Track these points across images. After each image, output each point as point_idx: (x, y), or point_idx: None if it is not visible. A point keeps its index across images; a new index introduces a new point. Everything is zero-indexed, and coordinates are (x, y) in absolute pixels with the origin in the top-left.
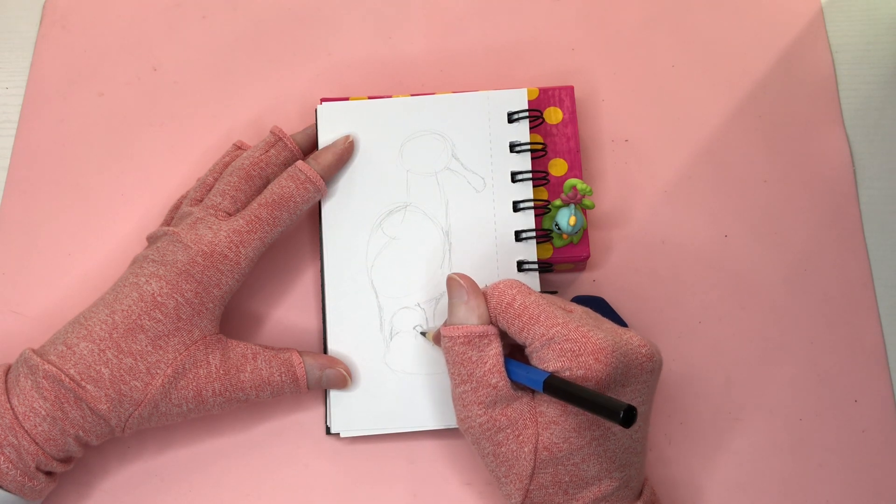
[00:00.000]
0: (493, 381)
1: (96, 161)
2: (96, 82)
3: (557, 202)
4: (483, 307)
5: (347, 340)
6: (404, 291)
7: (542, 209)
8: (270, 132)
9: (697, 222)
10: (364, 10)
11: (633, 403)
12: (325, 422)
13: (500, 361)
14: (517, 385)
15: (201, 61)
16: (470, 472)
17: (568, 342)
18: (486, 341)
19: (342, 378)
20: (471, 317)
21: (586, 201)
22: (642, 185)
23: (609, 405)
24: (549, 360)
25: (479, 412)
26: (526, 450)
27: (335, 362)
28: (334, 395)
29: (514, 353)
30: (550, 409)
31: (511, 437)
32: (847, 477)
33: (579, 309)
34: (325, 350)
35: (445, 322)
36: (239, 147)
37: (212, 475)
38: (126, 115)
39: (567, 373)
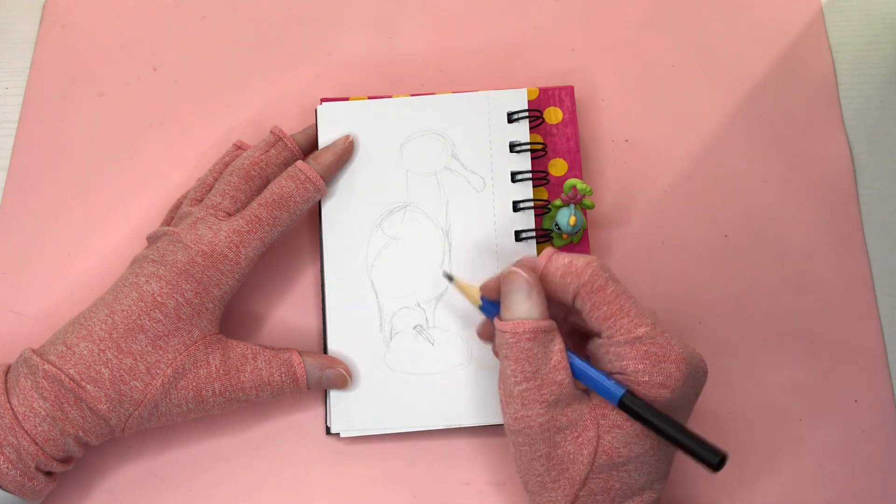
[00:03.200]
0: (559, 377)
1: (96, 161)
2: (96, 82)
3: (557, 202)
4: (545, 303)
5: (347, 340)
6: (404, 291)
7: (542, 209)
8: (270, 132)
9: (697, 222)
10: (364, 10)
11: (686, 416)
12: (325, 422)
13: (564, 357)
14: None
15: (201, 61)
16: (470, 472)
17: (654, 346)
18: (550, 337)
19: (342, 378)
20: (533, 312)
21: (586, 201)
22: (642, 185)
23: (704, 446)
24: (628, 359)
25: (541, 411)
26: (585, 452)
27: (335, 362)
28: (334, 395)
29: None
30: (615, 412)
31: (570, 438)
32: (847, 477)
33: (651, 310)
34: (325, 350)
35: (502, 317)
36: (239, 147)
37: (212, 475)
38: (126, 115)
39: (646, 377)
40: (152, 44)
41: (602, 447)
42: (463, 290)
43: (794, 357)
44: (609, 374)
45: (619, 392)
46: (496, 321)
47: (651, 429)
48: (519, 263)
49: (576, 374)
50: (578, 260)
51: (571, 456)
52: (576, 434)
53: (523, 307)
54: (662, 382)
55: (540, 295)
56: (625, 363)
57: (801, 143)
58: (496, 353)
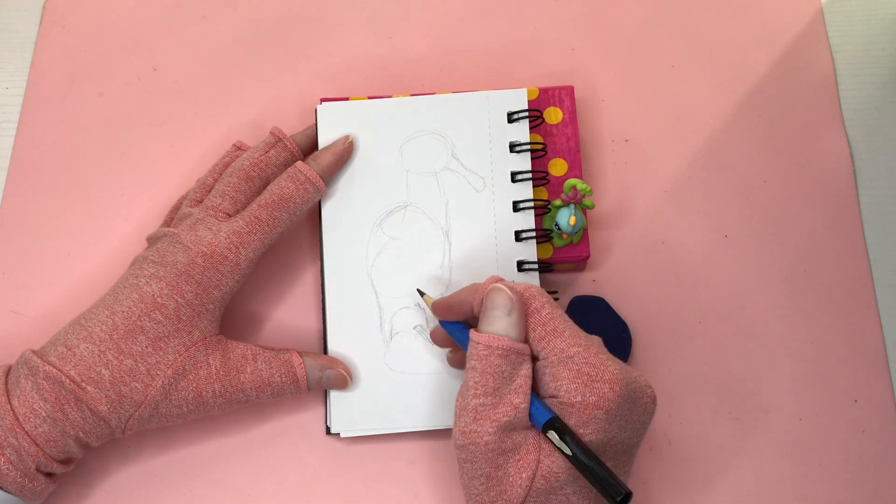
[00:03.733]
0: (517, 401)
1: (96, 161)
2: (96, 82)
3: (557, 202)
4: (524, 325)
5: (347, 341)
6: (404, 291)
7: (542, 209)
8: (270, 133)
9: (697, 222)
10: (364, 10)
11: (631, 444)
12: (325, 422)
13: (528, 383)
14: None
15: (201, 61)
16: None
17: (586, 365)
18: (520, 360)
19: (342, 378)
20: (511, 331)
21: (586, 201)
22: (642, 185)
23: (610, 480)
24: (562, 379)
25: (490, 430)
26: (524, 476)
27: (335, 363)
28: (334, 396)
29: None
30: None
31: (511, 461)
32: (847, 477)
33: (595, 338)
34: (325, 350)
35: (479, 328)
36: (239, 147)
37: (212, 475)
38: (126, 115)
39: (579, 397)
40: (152, 44)
41: (541, 471)
42: (429, 307)
43: (794, 357)
44: (546, 399)
45: (546, 417)
46: (472, 332)
47: (575, 463)
48: (508, 284)
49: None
50: (517, 286)
51: (511, 478)
52: (518, 457)
53: (502, 324)
54: (596, 403)
55: (520, 316)
56: (559, 384)
57: (801, 143)
58: (450, 362)
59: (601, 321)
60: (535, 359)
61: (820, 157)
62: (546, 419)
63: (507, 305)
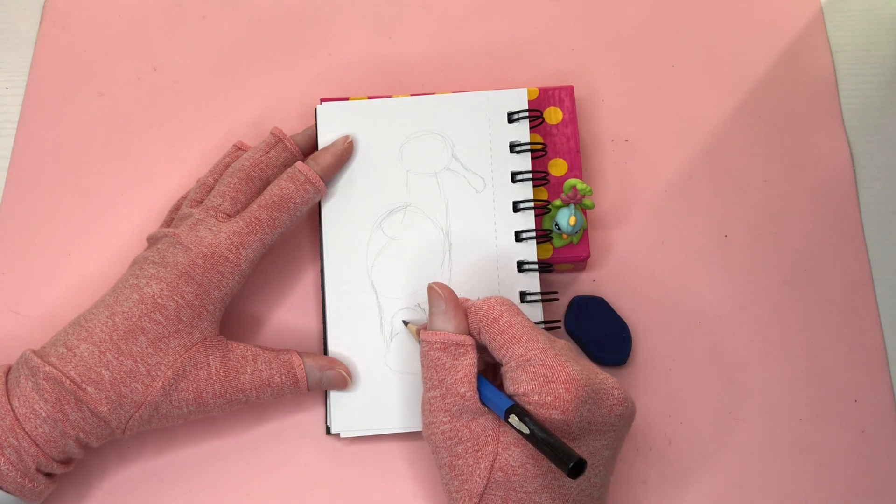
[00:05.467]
0: (462, 390)
1: (96, 161)
2: (96, 82)
3: (557, 202)
4: (459, 317)
5: (348, 341)
6: (404, 292)
7: (542, 209)
8: (270, 133)
9: (697, 222)
10: (364, 10)
11: (599, 446)
12: (325, 422)
13: (472, 373)
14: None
15: (201, 61)
16: None
17: (543, 367)
18: (461, 350)
19: (342, 379)
20: (447, 325)
21: (586, 201)
22: (642, 185)
23: (562, 450)
24: (520, 382)
25: (444, 420)
26: (482, 466)
27: (335, 363)
28: (334, 396)
29: (489, 370)
30: (514, 432)
31: (470, 450)
32: (847, 477)
33: (562, 342)
34: (325, 351)
35: (426, 327)
36: (239, 148)
37: (212, 475)
38: (126, 115)
39: (535, 397)
40: (152, 44)
41: (498, 463)
42: (413, 335)
43: (794, 357)
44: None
45: (507, 405)
46: (421, 329)
47: (532, 442)
48: (438, 283)
49: (480, 395)
50: (478, 301)
51: (470, 468)
52: (476, 447)
53: (437, 321)
54: (551, 403)
55: (455, 310)
56: (517, 386)
57: (801, 143)
58: None
59: (601, 321)
60: (498, 365)
61: (820, 157)
62: (507, 405)
63: (438, 303)
